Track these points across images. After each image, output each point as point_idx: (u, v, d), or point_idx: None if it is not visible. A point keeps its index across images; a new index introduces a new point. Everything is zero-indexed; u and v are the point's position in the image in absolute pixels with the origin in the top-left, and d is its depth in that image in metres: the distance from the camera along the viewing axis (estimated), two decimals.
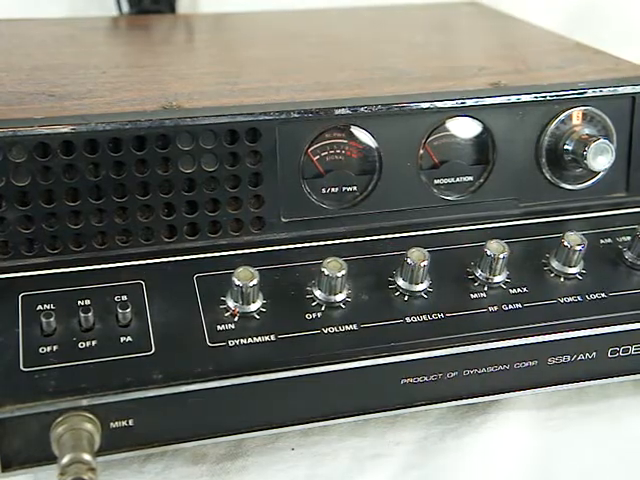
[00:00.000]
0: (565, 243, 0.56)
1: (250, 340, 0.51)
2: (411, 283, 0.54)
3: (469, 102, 0.58)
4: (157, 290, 0.53)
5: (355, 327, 0.52)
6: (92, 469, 0.43)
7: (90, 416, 0.47)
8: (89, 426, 0.46)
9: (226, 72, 0.65)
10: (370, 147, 0.59)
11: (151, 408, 0.48)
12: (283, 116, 0.55)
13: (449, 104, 0.58)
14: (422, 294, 0.55)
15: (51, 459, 0.47)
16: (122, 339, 0.50)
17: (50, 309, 0.51)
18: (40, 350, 0.49)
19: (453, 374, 0.53)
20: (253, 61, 0.68)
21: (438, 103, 0.58)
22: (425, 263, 0.53)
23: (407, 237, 0.59)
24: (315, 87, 0.60)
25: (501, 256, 0.54)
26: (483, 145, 0.60)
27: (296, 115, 0.55)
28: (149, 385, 0.48)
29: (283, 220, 0.58)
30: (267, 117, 0.55)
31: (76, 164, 0.53)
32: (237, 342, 0.50)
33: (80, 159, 0.53)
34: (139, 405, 0.48)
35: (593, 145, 0.58)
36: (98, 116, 0.53)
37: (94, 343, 0.49)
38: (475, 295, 0.55)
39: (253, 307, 0.52)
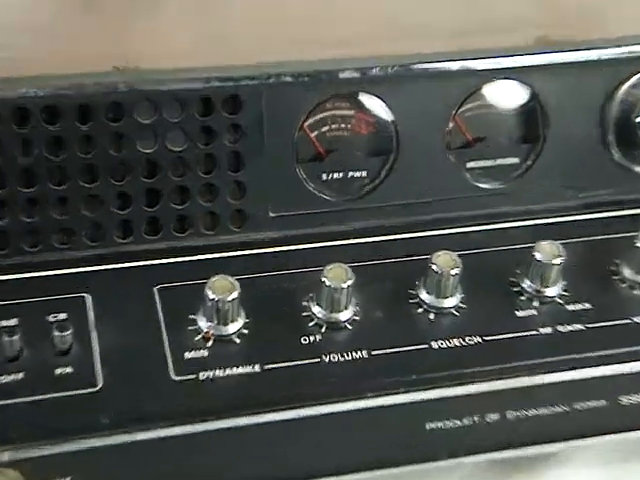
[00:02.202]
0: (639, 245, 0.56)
1: (228, 372, 0.50)
2: (438, 297, 0.53)
3: (511, 62, 0.57)
4: (106, 306, 0.53)
5: (365, 354, 0.51)
6: None
7: (14, 474, 0.45)
8: None
9: (200, 23, 0.63)
10: (384, 120, 0.58)
11: (96, 462, 0.47)
12: (272, 80, 0.54)
13: (486, 65, 0.57)
14: (452, 311, 0.54)
15: None
16: (59, 371, 0.49)
17: None
18: None
19: (494, 417, 0.52)
20: (235, 10, 0.65)
21: (472, 63, 0.57)
22: (456, 271, 0.53)
23: (432, 237, 0.59)
24: (314, 43, 0.58)
25: (555, 261, 0.54)
26: (531, 117, 0.60)
27: (289, 79, 0.55)
28: (94, 432, 0.46)
29: (271, 215, 0.58)
30: (251, 81, 0.54)
31: None
32: (211, 374, 0.49)
33: (5, 133, 0.52)
34: (80, 459, 0.46)
35: None
36: (29, 79, 0.52)
37: (20, 377, 0.48)
38: (522, 313, 0.54)
39: (232, 328, 0.51)
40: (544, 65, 0.58)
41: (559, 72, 0.58)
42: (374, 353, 0.51)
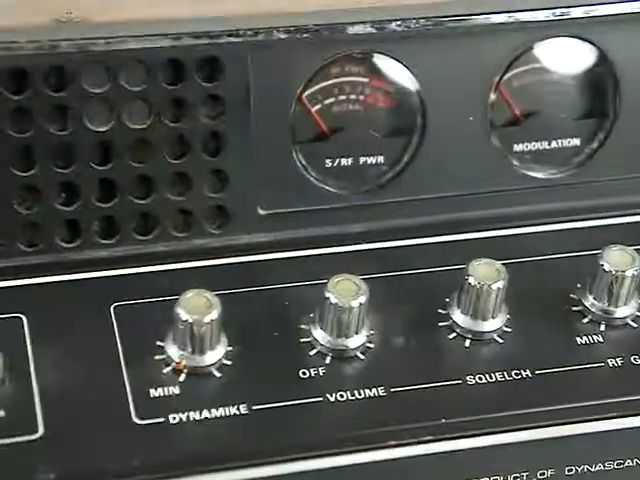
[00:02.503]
0: None
1: (205, 414, 0.50)
2: (476, 318, 0.54)
3: (573, 14, 0.57)
4: (49, 330, 0.53)
5: (382, 392, 0.52)
6: None
7: None
8: None
9: None
10: (406, 90, 0.59)
11: None
12: (261, 37, 0.54)
13: (538, 17, 0.57)
14: (494, 337, 0.55)
15: None
16: None
17: None
18: None
19: (548, 474, 0.52)
20: None
21: (520, 16, 0.57)
22: (499, 285, 0.53)
23: (468, 241, 0.60)
24: None
25: (628, 273, 0.54)
26: (597, 86, 0.61)
27: (282, 36, 0.55)
28: None
29: (261, 212, 0.58)
30: (234, 39, 0.54)
31: None
32: (184, 417, 0.50)
33: None
34: None
35: None
36: None
37: None
38: (584, 339, 0.55)
39: (210, 358, 0.51)
40: (616, 17, 0.58)
41: (635, 27, 0.59)
42: (393, 390, 0.52)
